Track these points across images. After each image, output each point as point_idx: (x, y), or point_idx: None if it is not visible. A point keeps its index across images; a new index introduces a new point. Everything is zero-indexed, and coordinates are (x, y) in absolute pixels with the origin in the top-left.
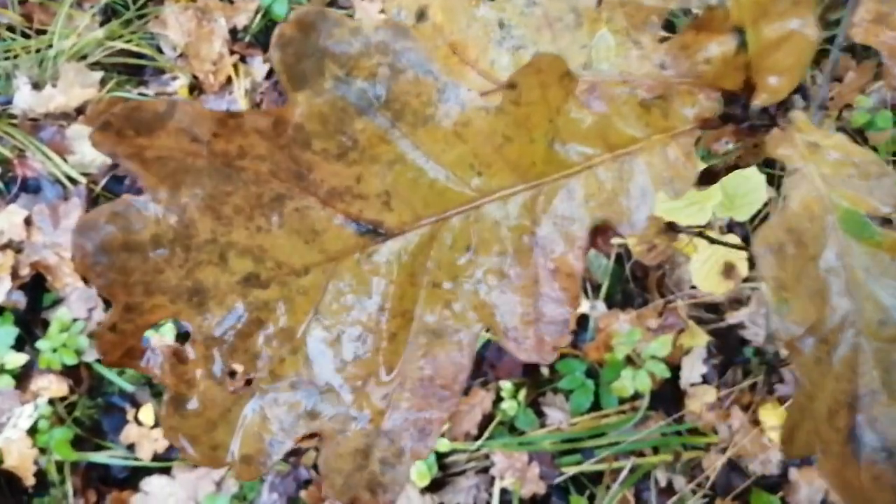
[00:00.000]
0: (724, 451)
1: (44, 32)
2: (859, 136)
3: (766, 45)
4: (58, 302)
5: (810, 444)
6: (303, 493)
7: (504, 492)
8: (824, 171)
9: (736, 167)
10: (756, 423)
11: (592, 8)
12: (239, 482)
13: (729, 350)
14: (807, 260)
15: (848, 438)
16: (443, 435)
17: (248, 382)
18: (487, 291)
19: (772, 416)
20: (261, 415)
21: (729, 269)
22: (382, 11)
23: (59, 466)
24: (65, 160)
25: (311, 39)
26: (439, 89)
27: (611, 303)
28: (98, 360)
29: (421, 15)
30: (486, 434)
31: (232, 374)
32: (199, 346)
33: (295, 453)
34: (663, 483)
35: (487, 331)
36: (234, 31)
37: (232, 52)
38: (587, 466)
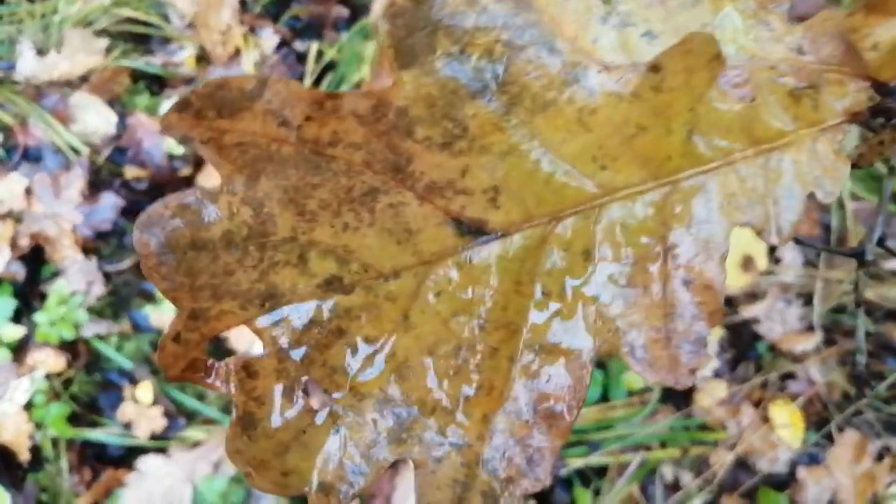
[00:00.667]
0: (732, 447)
1: None
2: None
3: None
4: (56, 274)
5: None
6: None
7: None
8: None
9: (855, 166)
10: (766, 420)
11: None
12: None
13: (742, 345)
14: None
15: None
16: None
17: (327, 400)
18: (608, 304)
19: (782, 413)
20: (341, 438)
21: (748, 262)
22: None
23: (55, 442)
24: (67, 129)
25: (424, 10)
26: (564, 70)
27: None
28: (97, 336)
29: None
30: None
31: (307, 390)
32: (271, 359)
33: None
34: (669, 478)
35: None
36: (243, 2)
37: (241, 23)
38: (593, 459)
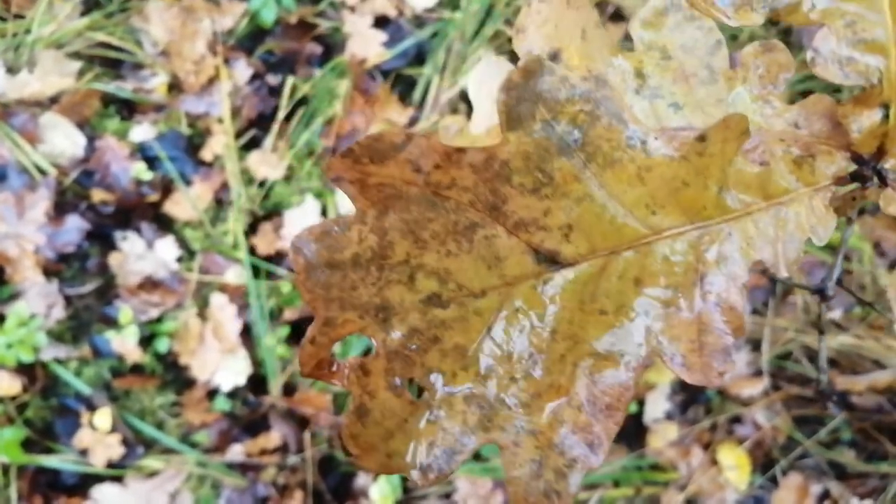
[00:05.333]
0: (683, 488)
1: (22, 18)
2: None
3: None
4: (15, 296)
5: None
6: None
7: None
8: None
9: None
10: (714, 462)
11: (726, 68)
12: (195, 496)
13: (692, 388)
14: None
15: None
16: None
17: (423, 394)
18: (653, 321)
19: (730, 456)
20: (436, 426)
21: None
22: (375, 26)
23: (5, 469)
24: (35, 149)
25: (530, 85)
26: (628, 136)
27: None
28: (56, 360)
29: (554, 56)
30: None
31: (413, 388)
32: (380, 360)
33: (254, 469)
34: None
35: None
36: (217, 33)
37: (215, 54)
38: None
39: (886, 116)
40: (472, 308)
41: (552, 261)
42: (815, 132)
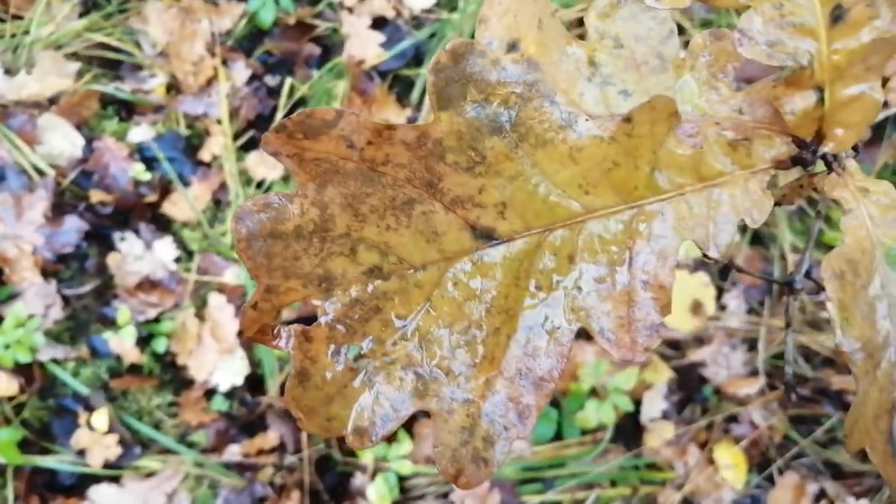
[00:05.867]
0: (679, 487)
1: (20, 18)
2: None
3: (839, 102)
4: (14, 296)
5: (862, 441)
6: None
7: None
8: (872, 213)
9: (779, 204)
10: (711, 461)
11: (676, 56)
12: (192, 496)
13: (689, 388)
14: (860, 287)
15: (887, 439)
16: (405, 457)
17: (362, 360)
18: (585, 296)
19: (726, 455)
20: (374, 392)
21: (697, 307)
22: (373, 27)
23: (2, 469)
24: (33, 150)
25: (460, 67)
26: (560, 117)
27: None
28: (54, 360)
29: (512, 46)
30: None
31: (356, 356)
32: (323, 328)
33: (251, 469)
34: None
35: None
36: (216, 34)
37: (213, 55)
38: (549, 497)
39: (821, 100)
40: (413, 281)
41: (488, 237)
42: (759, 118)
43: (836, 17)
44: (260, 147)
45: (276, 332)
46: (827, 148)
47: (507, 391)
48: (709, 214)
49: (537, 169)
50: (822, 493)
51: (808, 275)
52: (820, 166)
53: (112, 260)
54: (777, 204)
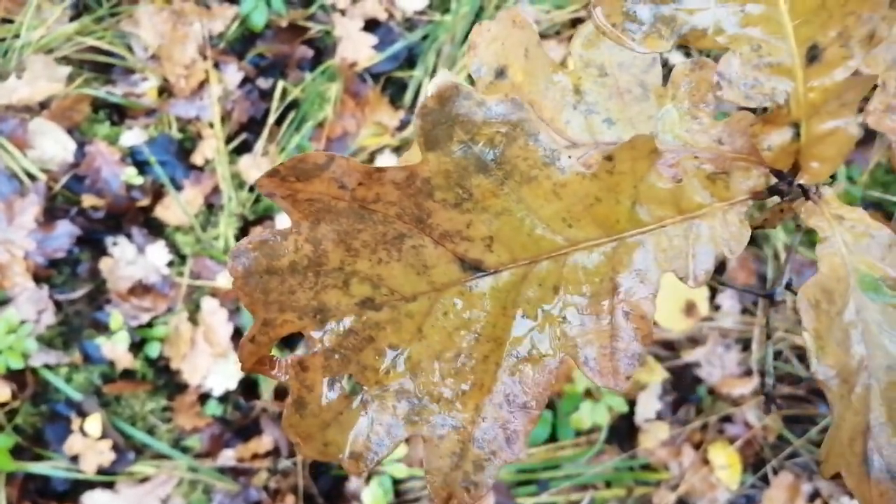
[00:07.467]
0: (674, 488)
1: (10, 22)
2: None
3: (815, 137)
4: (5, 302)
5: (838, 464)
6: None
7: None
8: (847, 240)
9: (761, 227)
10: (706, 461)
11: (659, 85)
12: (186, 501)
13: (683, 388)
14: (835, 314)
15: (862, 461)
16: (400, 460)
17: (356, 388)
18: (570, 326)
19: (721, 456)
20: (369, 419)
21: (690, 308)
22: (365, 29)
23: None
24: (24, 155)
25: (446, 110)
26: (544, 155)
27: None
28: (46, 366)
29: (500, 73)
30: None
31: (348, 383)
32: (318, 358)
33: (246, 473)
34: None
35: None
36: (208, 37)
37: (205, 58)
38: (543, 498)
39: (797, 135)
40: (404, 311)
41: (476, 269)
42: (737, 148)
43: (812, 56)
44: (252, 151)
45: (273, 362)
46: (803, 180)
47: (496, 417)
48: (688, 246)
49: (523, 204)
50: (816, 493)
51: (788, 286)
52: (798, 192)
53: (104, 264)
54: (759, 227)
